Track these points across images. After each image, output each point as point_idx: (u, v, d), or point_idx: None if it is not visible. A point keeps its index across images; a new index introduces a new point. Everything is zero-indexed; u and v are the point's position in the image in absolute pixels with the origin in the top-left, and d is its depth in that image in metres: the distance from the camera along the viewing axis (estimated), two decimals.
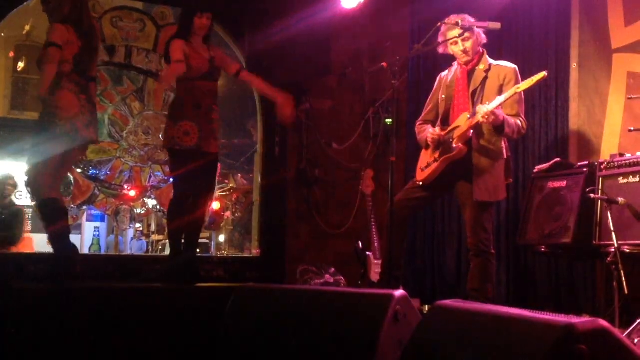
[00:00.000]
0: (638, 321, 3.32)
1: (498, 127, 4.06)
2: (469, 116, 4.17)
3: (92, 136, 4.32)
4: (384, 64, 4.30)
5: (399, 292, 2.72)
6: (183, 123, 4.26)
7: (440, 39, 4.36)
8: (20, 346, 3.48)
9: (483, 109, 3.98)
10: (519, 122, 4.17)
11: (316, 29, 5.50)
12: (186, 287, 4.18)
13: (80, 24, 4.24)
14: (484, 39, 4.35)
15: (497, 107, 4.00)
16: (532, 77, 3.98)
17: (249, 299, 3.44)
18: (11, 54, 9.23)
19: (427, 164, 4.35)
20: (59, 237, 4.16)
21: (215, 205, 6.93)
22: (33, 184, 4.22)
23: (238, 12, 5.61)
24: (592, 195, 4.04)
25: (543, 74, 3.96)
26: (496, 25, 4.25)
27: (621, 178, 4.14)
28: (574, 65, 5.17)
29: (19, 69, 9.10)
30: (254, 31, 5.49)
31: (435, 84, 4.57)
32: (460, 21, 4.23)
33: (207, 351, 3.60)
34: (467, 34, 4.25)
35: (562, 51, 5.26)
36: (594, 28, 5.08)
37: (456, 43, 4.29)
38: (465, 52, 4.29)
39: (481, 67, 4.29)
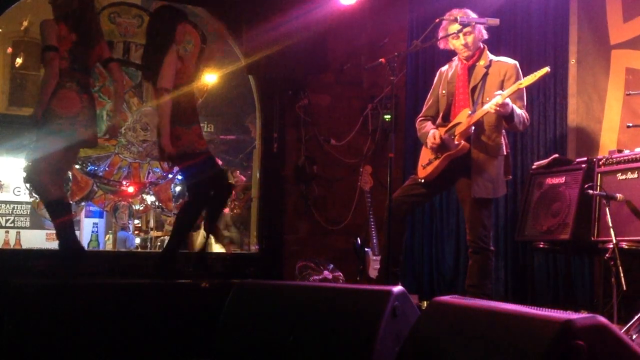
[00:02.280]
0: (636, 317, 3.32)
1: (507, 116, 4.06)
2: (470, 112, 4.17)
3: (91, 138, 4.35)
4: (383, 60, 4.30)
5: (397, 288, 2.73)
6: (194, 127, 4.34)
7: (441, 34, 4.36)
8: (19, 342, 3.49)
9: (495, 100, 3.99)
10: (524, 113, 4.19)
11: (314, 24, 5.49)
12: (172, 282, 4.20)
13: (79, 18, 4.25)
14: (485, 34, 4.35)
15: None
16: (535, 73, 3.98)
17: (248, 295, 3.44)
18: (9, 50, 9.22)
19: (428, 161, 4.35)
20: (64, 233, 4.20)
21: None
22: (35, 183, 4.24)
23: (236, 9, 5.60)
24: (590, 192, 4.04)
25: (546, 69, 3.96)
26: (495, 22, 4.25)
27: (620, 174, 4.14)
28: (572, 61, 5.16)
29: (17, 65, 9.09)
30: (252, 27, 5.47)
31: (435, 79, 4.57)
32: (459, 17, 4.23)
33: (205, 347, 3.60)
34: (468, 28, 4.24)
35: (560, 47, 5.26)
36: (593, 24, 5.08)
37: (457, 37, 4.28)
38: (466, 46, 4.28)
39: (481, 62, 4.29)
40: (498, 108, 3.97)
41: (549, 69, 3.99)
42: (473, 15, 4.29)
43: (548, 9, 5.38)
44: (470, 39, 4.28)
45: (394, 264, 4.40)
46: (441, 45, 4.45)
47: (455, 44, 4.33)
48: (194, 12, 5.94)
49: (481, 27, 4.32)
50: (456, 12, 4.27)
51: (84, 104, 4.21)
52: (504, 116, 4.07)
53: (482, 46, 4.36)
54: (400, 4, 6.19)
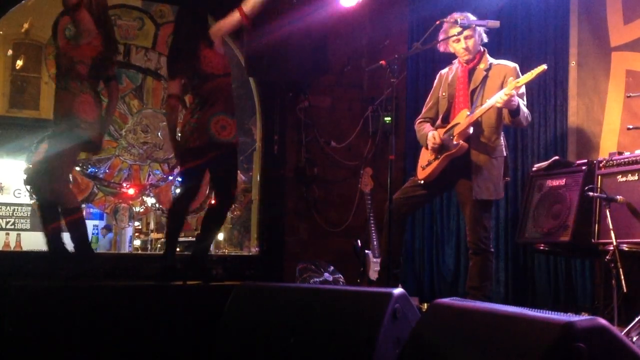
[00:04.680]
0: (637, 319, 3.32)
1: (514, 111, 4.07)
2: (468, 113, 4.19)
3: (99, 144, 4.40)
4: (383, 62, 4.30)
5: (397, 290, 2.72)
6: (234, 120, 4.34)
7: (441, 37, 4.37)
8: (19, 344, 3.49)
9: (502, 93, 4.00)
10: (526, 109, 4.20)
11: (315, 27, 5.49)
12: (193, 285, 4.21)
13: (106, 31, 4.28)
14: (485, 38, 4.36)
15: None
16: (532, 71, 3.99)
17: (248, 297, 3.44)
18: (10, 52, 9.23)
19: (427, 162, 4.36)
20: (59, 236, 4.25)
21: None
22: (56, 193, 4.24)
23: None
24: (590, 194, 4.04)
25: (543, 67, 3.97)
26: (495, 24, 4.26)
27: (620, 176, 4.14)
28: (572, 63, 5.16)
29: (17, 67, 9.10)
30: (252, 30, 5.47)
31: (435, 81, 4.58)
32: (459, 19, 4.24)
33: (206, 349, 3.60)
34: (469, 32, 4.25)
35: (560, 49, 5.26)
36: (593, 26, 5.08)
37: (458, 40, 4.29)
38: (466, 49, 4.29)
39: (482, 66, 4.30)
40: (507, 97, 3.96)
41: (546, 67, 4.00)
42: (474, 18, 4.30)
43: (548, 11, 5.38)
44: (470, 42, 4.29)
45: (395, 265, 4.40)
46: (441, 48, 4.45)
47: (456, 47, 4.34)
48: None
49: (482, 30, 4.32)
50: (457, 15, 4.28)
51: (99, 112, 4.27)
52: (511, 110, 4.08)
53: (482, 49, 4.36)
54: (400, 6, 6.20)
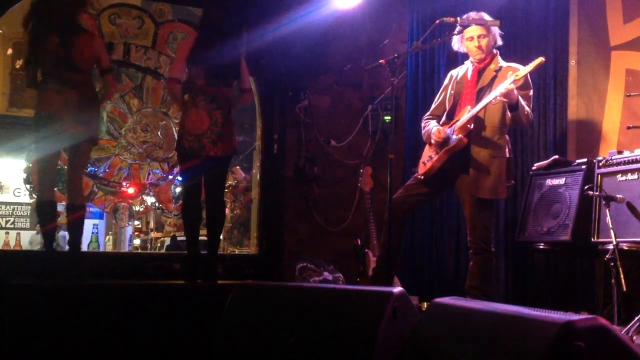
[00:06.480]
0: (636, 318, 3.32)
1: (513, 105, 4.10)
2: (470, 109, 4.20)
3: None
4: (383, 61, 4.31)
5: (397, 289, 2.72)
6: None
7: (456, 32, 4.39)
8: (19, 344, 3.49)
9: (504, 84, 4.05)
10: (528, 108, 4.21)
11: (314, 27, 5.49)
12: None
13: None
14: (499, 40, 4.39)
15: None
16: (530, 64, 4.05)
17: (248, 296, 3.44)
18: (9, 51, 9.21)
19: (429, 157, 4.38)
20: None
21: None
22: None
23: (236, 11, 5.61)
24: (590, 193, 4.04)
25: (540, 59, 4.03)
26: (495, 23, 4.27)
27: (620, 175, 4.14)
28: (572, 62, 5.17)
29: (17, 66, 9.08)
30: (253, 30, 5.48)
31: (446, 80, 4.60)
32: (459, 18, 4.25)
33: (205, 349, 3.60)
34: (484, 32, 4.29)
35: (560, 48, 5.26)
36: (593, 25, 5.08)
37: (472, 39, 4.31)
38: (479, 48, 4.32)
39: (492, 67, 4.33)
40: (507, 89, 4.00)
41: (543, 59, 4.04)
42: (489, 18, 4.32)
43: (548, 10, 5.38)
44: (484, 42, 4.32)
45: (394, 264, 4.40)
46: (455, 47, 4.48)
47: (469, 45, 4.37)
48: (194, 14, 5.96)
49: (497, 33, 4.35)
50: (473, 15, 4.30)
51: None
52: (510, 104, 4.09)
53: (495, 51, 4.38)
54: (400, 5, 6.20)
